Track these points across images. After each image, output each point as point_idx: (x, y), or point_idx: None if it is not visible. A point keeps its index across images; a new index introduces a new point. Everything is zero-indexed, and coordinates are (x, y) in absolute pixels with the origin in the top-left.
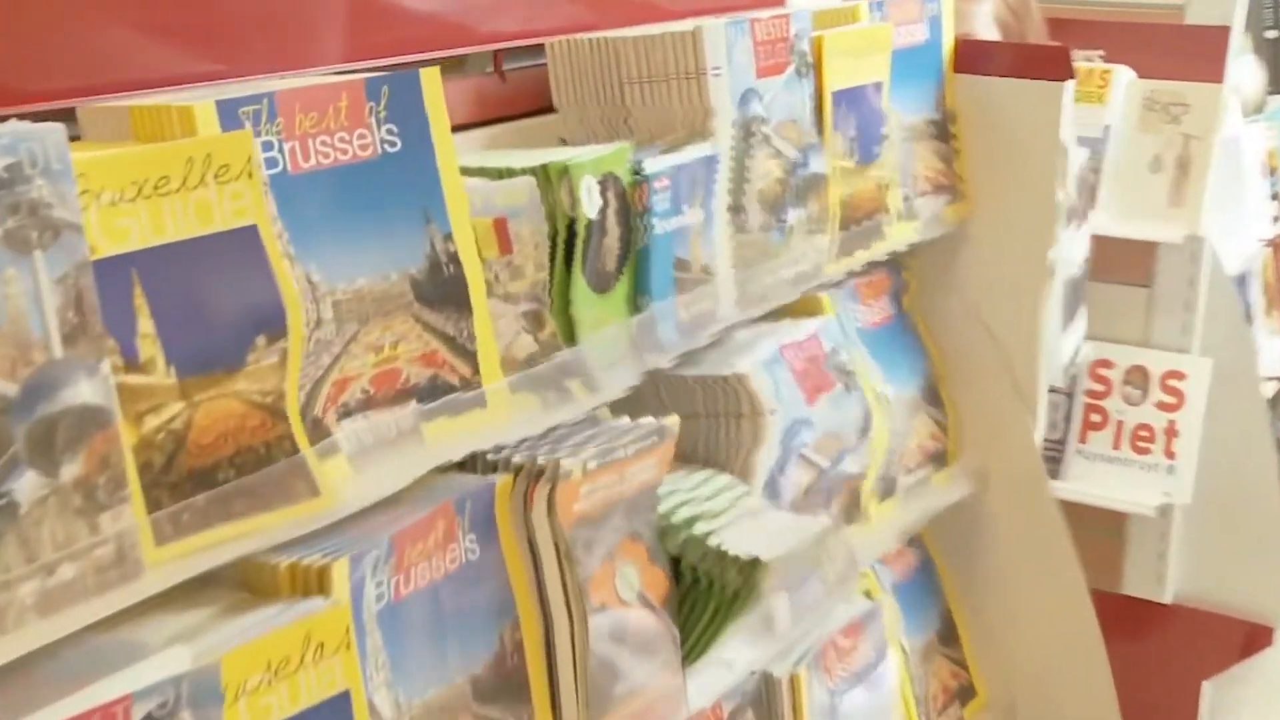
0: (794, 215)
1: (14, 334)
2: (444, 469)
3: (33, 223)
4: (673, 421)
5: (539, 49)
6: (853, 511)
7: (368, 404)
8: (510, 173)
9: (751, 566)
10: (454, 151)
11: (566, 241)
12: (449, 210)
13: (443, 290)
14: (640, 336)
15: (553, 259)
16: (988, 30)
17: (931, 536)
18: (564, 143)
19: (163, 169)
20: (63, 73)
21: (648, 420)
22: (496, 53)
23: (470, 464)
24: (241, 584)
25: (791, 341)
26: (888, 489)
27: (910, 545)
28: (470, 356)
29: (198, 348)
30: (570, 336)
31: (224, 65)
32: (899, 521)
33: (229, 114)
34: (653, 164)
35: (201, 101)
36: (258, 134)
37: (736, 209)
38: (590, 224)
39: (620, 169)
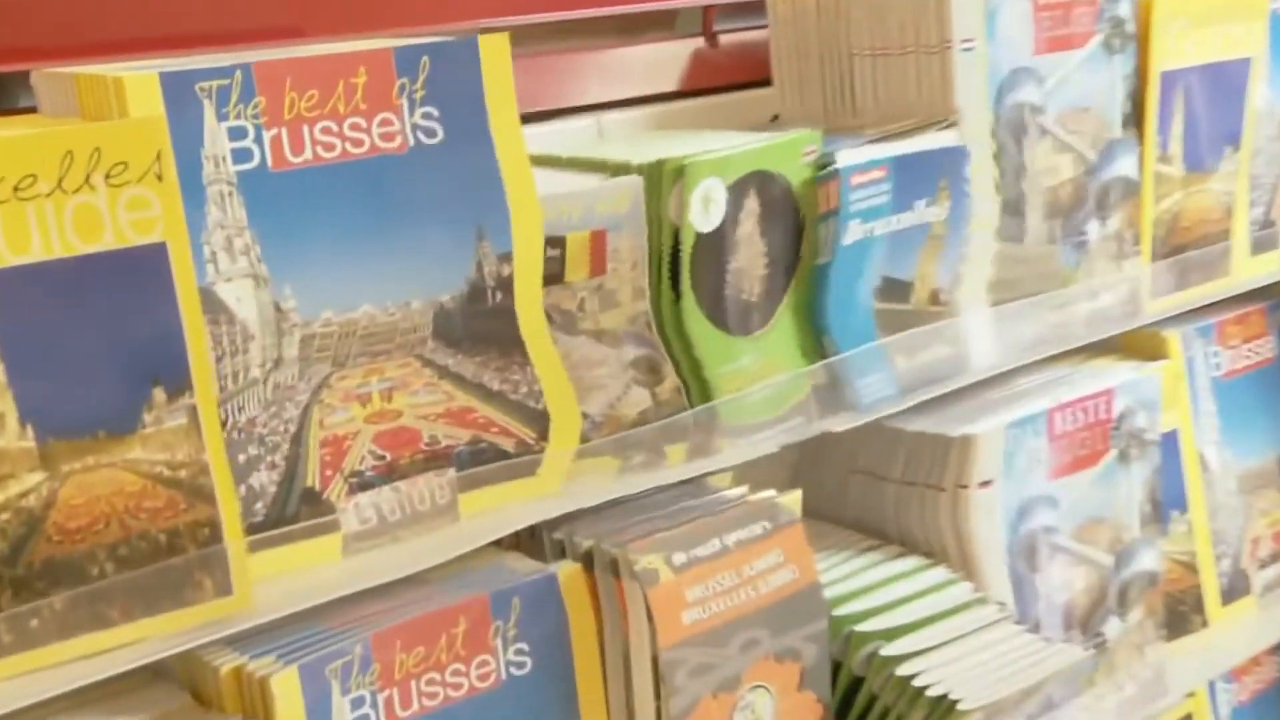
0: (1095, 230)
1: None
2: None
3: None
4: (790, 501)
5: (759, 7)
6: (1186, 620)
7: (391, 472)
8: (625, 169)
9: (943, 710)
10: (523, 145)
11: (671, 261)
12: (512, 223)
13: (480, 326)
14: (823, 396)
15: (656, 284)
16: None
17: None
18: (775, 119)
19: (26, 165)
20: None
21: (762, 498)
22: (707, 9)
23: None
24: (189, 683)
25: (1070, 399)
26: (1237, 587)
27: (1273, 654)
28: (532, 416)
29: (69, 403)
30: (705, 393)
31: (299, 19)
32: (1255, 629)
33: (180, 89)
34: (849, 155)
35: (139, 72)
36: (224, 117)
37: (1014, 211)
38: (700, 239)
39: (786, 165)
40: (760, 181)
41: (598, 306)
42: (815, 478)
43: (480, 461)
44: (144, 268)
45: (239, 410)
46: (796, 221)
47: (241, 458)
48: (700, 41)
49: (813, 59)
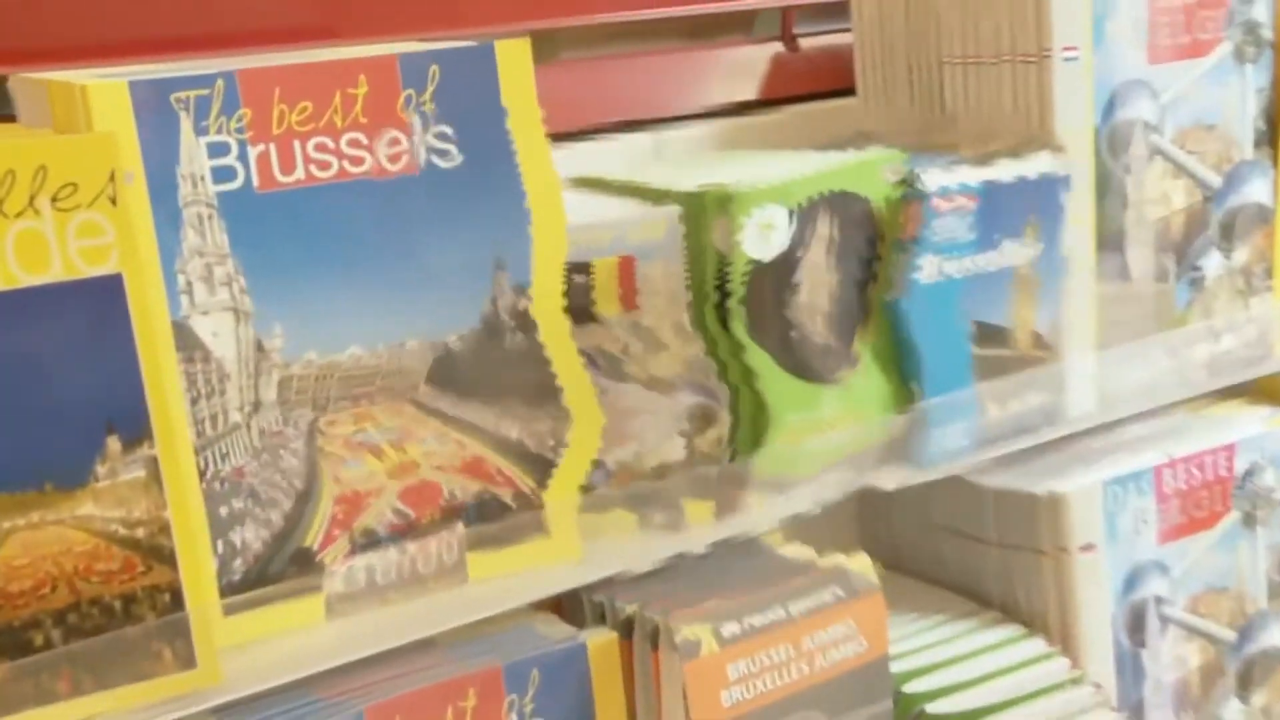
0: (1216, 264)
1: None
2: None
3: None
4: (862, 566)
5: (843, 7)
6: None
7: (410, 530)
8: (665, 196)
9: None
10: (551, 166)
11: (719, 299)
12: (534, 254)
13: (495, 366)
14: (880, 449)
15: (702, 320)
16: None
17: None
18: (863, 135)
19: None
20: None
21: (830, 562)
22: (786, 10)
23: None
24: None
25: (1182, 455)
26: None
27: None
28: (540, 463)
29: (11, 452)
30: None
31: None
32: None
33: (153, 99)
34: (936, 177)
35: (106, 80)
36: (203, 131)
37: (1112, 245)
38: (754, 268)
39: (867, 186)
40: (835, 203)
41: (642, 349)
42: (886, 531)
43: (485, 515)
44: (96, 302)
45: (221, 458)
46: (878, 252)
47: (224, 511)
48: (779, 46)
49: (899, 66)
